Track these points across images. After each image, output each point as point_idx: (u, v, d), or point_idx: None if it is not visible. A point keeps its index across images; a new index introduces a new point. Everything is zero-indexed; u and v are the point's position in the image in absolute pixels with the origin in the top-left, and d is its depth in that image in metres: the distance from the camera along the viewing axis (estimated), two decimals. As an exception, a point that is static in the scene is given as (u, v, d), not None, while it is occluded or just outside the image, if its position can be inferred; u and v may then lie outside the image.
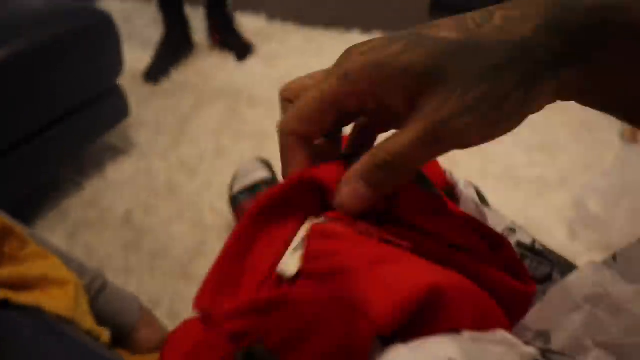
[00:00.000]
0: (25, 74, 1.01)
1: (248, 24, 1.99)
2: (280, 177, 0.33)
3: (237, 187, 1.03)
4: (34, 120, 1.07)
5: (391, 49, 0.23)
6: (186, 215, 1.17)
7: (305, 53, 1.82)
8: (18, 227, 0.59)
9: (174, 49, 1.76)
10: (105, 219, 1.19)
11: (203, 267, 1.05)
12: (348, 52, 0.25)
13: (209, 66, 1.75)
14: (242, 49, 1.80)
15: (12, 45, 0.98)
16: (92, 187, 1.28)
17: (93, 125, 1.24)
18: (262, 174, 1.04)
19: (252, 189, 1.02)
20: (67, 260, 0.65)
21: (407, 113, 0.24)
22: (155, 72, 1.69)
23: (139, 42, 1.92)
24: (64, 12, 1.11)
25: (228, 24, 1.84)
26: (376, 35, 1.89)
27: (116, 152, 1.38)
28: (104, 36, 1.17)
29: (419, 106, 0.23)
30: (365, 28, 1.95)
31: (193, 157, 1.34)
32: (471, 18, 0.23)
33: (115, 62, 1.23)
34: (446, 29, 0.23)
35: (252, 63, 1.76)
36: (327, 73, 0.25)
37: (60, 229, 1.17)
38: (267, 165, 1.09)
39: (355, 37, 1.90)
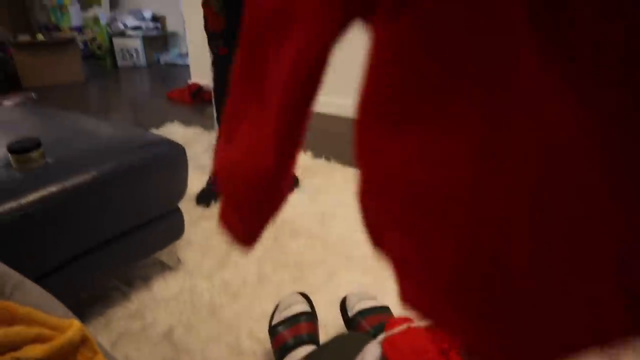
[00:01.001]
0: (110, 191, 1.14)
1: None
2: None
3: (277, 319, 1.08)
4: (100, 235, 1.19)
5: None
6: (225, 338, 1.21)
7: (346, 190, 1.95)
8: (91, 336, 0.65)
9: None
10: (147, 332, 1.23)
11: (236, 393, 1.06)
12: None
13: (257, 195, 1.90)
14: None
15: (103, 167, 1.13)
16: (138, 299, 1.34)
17: (150, 242, 1.35)
18: (301, 307, 1.09)
19: (291, 320, 1.06)
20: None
21: None
22: (208, 197, 1.83)
23: (194, 167, 2.11)
24: (147, 142, 1.28)
25: None
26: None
27: (164, 268, 1.46)
28: (176, 164, 1.33)
29: None
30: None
31: (236, 281, 1.41)
32: None
33: (181, 187, 1.37)
34: None
35: (297, 196, 1.90)
36: None
37: (103, 338, 1.22)
38: (307, 299, 1.15)
39: (394, 180, 2.05)
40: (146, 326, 1.25)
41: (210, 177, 1.94)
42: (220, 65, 1.79)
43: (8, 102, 2.99)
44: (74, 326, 0.63)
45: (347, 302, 1.14)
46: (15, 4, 4.54)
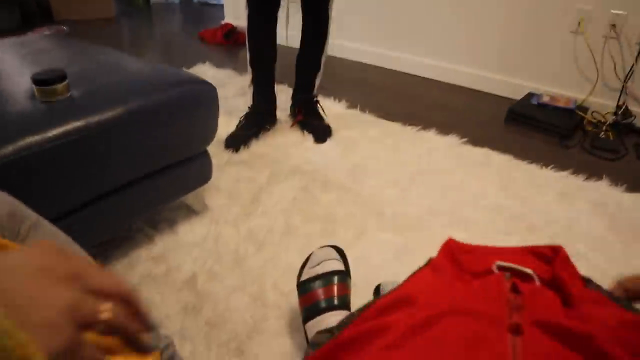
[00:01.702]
0: (133, 131, 1.08)
1: (330, 108, 2.08)
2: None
3: (308, 274, 1.02)
4: (131, 173, 1.14)
5: None
6: (248, 289, 1.17)
7: (381, 144, 1.86)
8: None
9: (258, 122, 1.86)
10: (170, 277, 1.21)
11: (259, 345, 1.03)
12: None
13: (289, 143, 1.83)
14: (321, 132, 1.87)
15: (130, 104, 1.07)
16: (163, 243, 1.31)
17: (177, 185, 1.30)
18: (336, 264, 1.03)
19: (324, 278, 1.00)
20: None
21: None
22: (237, 141, 1.77)
23: (225, 110, 2.04)
24: (177, 80, 1.21)
25: (312, 106, 1.93)
26: (452, 137, 1.93)
27: (190, 212, 1.43)
28: (208, 105, 1.26)
29: None
30: (443, 129, 1.99)
31: (262, 230, 1.36)
32: None
33: (210, 129, 1.30)
34: None
35: (329, 146, 1.82)
36: None
37: (126, 279, 1.20)
38: (342, 255, 1.08)
39: (432, 136, 1.94)
40: (169, 270, 1.23)
41: (240, 121, 1.87)
42: (254, 2, 1.70)
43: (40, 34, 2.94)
44: None
45: (382, 290, 1.07)
46: None
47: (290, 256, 1.26)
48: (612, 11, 2.10)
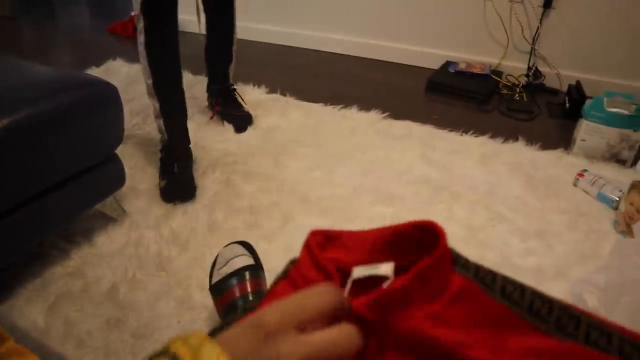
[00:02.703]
0: (30, 140, 1.00)
1: (249, 95, 2.02)
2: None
3: (218, 276, 0.99)
4: (32, 186, 1.06)
5: None
6: (174, 292, 1.13)
7: (303, 127, 1.84)
8: None
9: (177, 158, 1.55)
10: (89, 292, 1.14)
11: (188, 351, 1.00)
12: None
13: (208, 136, 1.76)
14: (241, 121, 1.81)
15: (21, 112, 0.98)
16: (79, 257, 1.24)
17: (89, 193, 1.22)
18: (244, 260, 1.00)
19: (234, 277, 0.97)
20: (48, 355, 0.60)
21: None
22: (179, 191, 1.47)
23: (139, 108, 1.94)
24: (73, 83, 1.13)
25: (230, 95, 1.87)
26: (373, 112, 1.93)
27: (107, 220, 1.35)
28: (108, 108, 1.18)
29: None
30: (364, 105, 1.99)
31: (185, 230, 1.31)
32: None
33: (116, 131, 1.22)
34: None
35: (250, 135, 1.78)
36: None
37: (40, 301, 1.12)
38: (249, 249, 1.05)
39: (353, 114, 1.94)
40: (88, 285, 1.16)
41: (161, 169, 1.54)
42: (160, 5, 1.38)
43: None
44: None
45: None
46: None
47: (215, 254, 1.21)
48: (514, -24, 2.17)
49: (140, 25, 1.39)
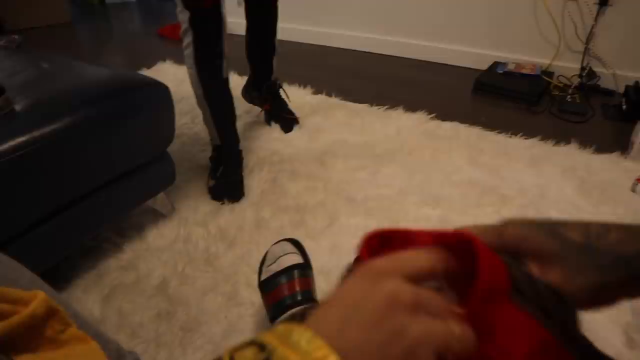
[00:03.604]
0: (87, 139, 1.05)
1: (294, 96, 2.04)
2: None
3: (267, 273, 1.00)
4: (88, 183, 1.10)
5: (534, 234, 0.36)
6: (221, 288, 1.15)
7: (349, 128, 1.84)
8: (61, 307, 0.58)
9: (234, 161, 1.60)
10: (141, 284, 1.18)
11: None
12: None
13: (255, 136, 1.79)
14: (288, 122, 1.83)
15: (82, 112, 1.03)
16: (132, 251, 1.28)
17: (141, 189, 1.27)
18: (293, 258, 1.01)
19: (283, 275, 0.97)
20: (105, 343, 0.63)
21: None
22: (227, 189, 1.52)
23: (188, 108, 2.00)
24: (127, 83, 1.17)
25: (276, 92, 1.88)
26: (420, 114, 1.91)
27: (157, 216, 1.39)
28: (162, 108, 1.22)
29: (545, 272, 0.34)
30: (409, 106, 1.98)
31: (232, 227, 1.34)
32: (595, 228, 0.35)
33: (168, 131, 1.26)
34: (574, 232, 0.35)
35: (296, 135, 1.79)
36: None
37: (95, 291, 1.17)
38: (298, 247, 1.06)
39: (399, 115, 1.93)
40: (140, 278, 1.20)
41: (211, 168, 1.58)
42: (208, 19, 1.37)
43: (-9, 46, 2.84)
44: (37, 298, 0.55)
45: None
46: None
47: (261, 251, 1.23)
48: (569, -27, 2.10)
49: (188, 39, 1.39)
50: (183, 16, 1.36)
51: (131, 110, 1.14)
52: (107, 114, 1.09)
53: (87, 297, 1.15)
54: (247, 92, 1.92)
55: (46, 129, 0.97)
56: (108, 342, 0.69)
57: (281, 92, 1.89)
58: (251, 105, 1.97)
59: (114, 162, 1.15)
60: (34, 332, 0.54)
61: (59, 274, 1.22)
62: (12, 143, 0.92)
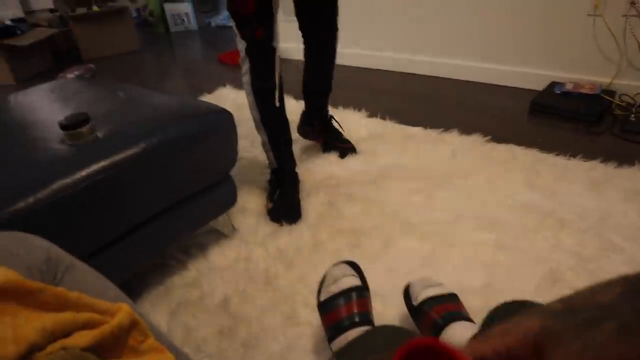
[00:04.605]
0: (159, 163, 1.13)
1: (349, 119, 2.09)
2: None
3: (325, 294, 1.03)
4: (159, 204, 1.19)
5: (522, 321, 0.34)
6: (280, 308, 1.20)
7: (403, 151, 1.86)
8: (142, 319, 0.64)
9: (290, 181, 1.68)
10: (205, 301, 1.25)
11: (294, 363, 1.05)
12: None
13: (312, 159, 1.85)
14: (344, 149, 1.87)
15: (154, 138, 1.12)
16: (195, 269, 1.36)
17: (205, 210, 1.34)
18: (351, 280, 1.04)
19: (342, 296, 1.00)
20: (178, 355, 0.68)
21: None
22: (285, 211, 1.58)
23: (248, 132, 2.09)
24: (195, 111, 1.26)
25: (330, 125, 1.93)
26: (475, 136, 1.91)
27: (220, 236, 1.47)
28: (226, 134, 1.30)
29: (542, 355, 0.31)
30: (464, 129, 1.98)
31: (291, 248, 1.39)
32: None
33: (231, 155, 1.34)
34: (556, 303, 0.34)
35: (351, 159, 1.84)
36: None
37: (162, 307, 1.24)
38: (356, 269, 1.09)
39: (454, 137, 1.93)
40: (204, 295, 1.26)
41: (269, 192, 1.66)
42: (260, 50, 1.46)
43: (69, 75, 3.09)
44: (122, 310, 0.62)
45: (411, 290, 1.06)
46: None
47: (319, 273, 1.27)
48: (630, -10, 2.05)
49: (245, 67, 1.49)
50: (241, 45, 1.46)
51: (198, 136, 1.22)
52: (177, 140, 1.17)
53: (155, 312, 1.23)
54: (302, 128, 1.97)
55: (124, 155, 1.06)
56: (180, 354, 0.75)
57: (334, 122, 1.94)
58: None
59: (182, 185, 1.23)
60: (119, 341, 0.60)
61: (129, 288, 1.31)
62: (95, 167, 1.02)
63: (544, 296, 1.15)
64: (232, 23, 1.45)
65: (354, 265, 1.08)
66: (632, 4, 2.05)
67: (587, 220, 1.41)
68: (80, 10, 3.73)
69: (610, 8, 2.12)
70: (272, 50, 1.46)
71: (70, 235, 1.00)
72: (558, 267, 1.24)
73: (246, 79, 1.52)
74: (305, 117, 1.94)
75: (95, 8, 3.77)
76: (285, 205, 1.56)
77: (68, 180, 0.98)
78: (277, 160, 1.63)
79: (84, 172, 1.00)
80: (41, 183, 0.95)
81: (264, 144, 1.64)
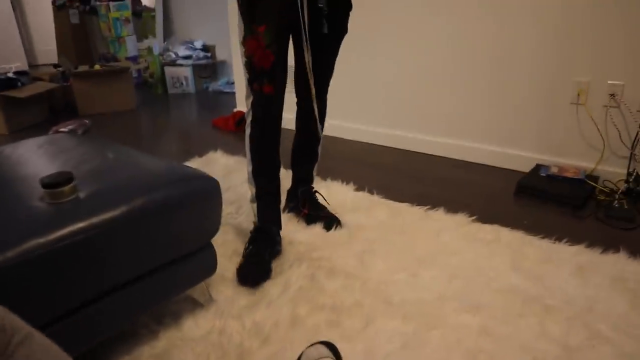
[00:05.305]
0: (136, 229, 1.11)
1: (337, 192, 2.10)
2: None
3: None
4: (134, 270, 1.15)
5: None
6: (252, 387, 1.13)
7: (389, 227, 1.85)
8: None
9: (268, 244, 1.65)
10: (173, 376, 1.18)
11: None
12: None
13: (296, 229, 1.83)
14: (329, 222, 1.85)
15: (135, 202, 1.11)
16: (167, 339, 1.29)
17: (183, 278, 1.30)
18: None
19: None
20: None
21: None
22: (253, 275, 1.55)
23: (234, 198, 2.08)
24: (181, 176, 1.25)
25: (314, 197, 1.93)
26: (461, 215, 1.91)
27: (195, 305, 1.41)
28: (210, 201, 1.28)
29: None
30: (450, 207, 1.98)
31: (268, 322, 1.33)
32: None
33: (214, 223, 1.32)
34: None
35: (336, 232, 1.82)
36: None
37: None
38: (334, 351, 1.04)
39: (440, 216, 1.93)
40: (172, 369, 1.20)
41: (246, 247, 1.65)
42: (265, 105, 1.53)
43: (63, 129, 3.11)
44: None
45: None
46: (79, 37, 4.81)
47: (295, 350, 1.22)
48: (609, 82, 2.15)
49: (249, 119, 1.59)
50: (248, 100, 1.57)
51: (182, 202, 1.20)
52: (159, 205, 1.15)
53: (119, 385, 1.15)
54: (287, 204, 1.99)
55: (102, 217, 1.04)
56: None
57: (318, 196, 1.95)
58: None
59: (162, 251, 1.20)
60: None
61: (93, 357, 1.24)
62: (70, 228, 0.99)
63: (529, 388, 1.10)
64: (245, 76, 1.55)
65: (331, 347, 1.04)
66: (612, 95, 2.14)
67: (573, 307, 1.38)
68: (83, 68, 3.83)
69: (592, 98, 2.21)
70: (277, 107, 1.56)
71: (38, 297, 0.95)
72: (543, 357, 1.20)
73: (248, 130, 1.61)
74: (291, 191, 1.97)
75: (97, 66, 3.87)
76: (252, 262, 1.56)
77: (40, 240, 0.94)
78: (259, 215, 1.66)
79: (58, 233, 0.97)
80: (11, 241, 0.92)
81: (251, 198, 1.68)
